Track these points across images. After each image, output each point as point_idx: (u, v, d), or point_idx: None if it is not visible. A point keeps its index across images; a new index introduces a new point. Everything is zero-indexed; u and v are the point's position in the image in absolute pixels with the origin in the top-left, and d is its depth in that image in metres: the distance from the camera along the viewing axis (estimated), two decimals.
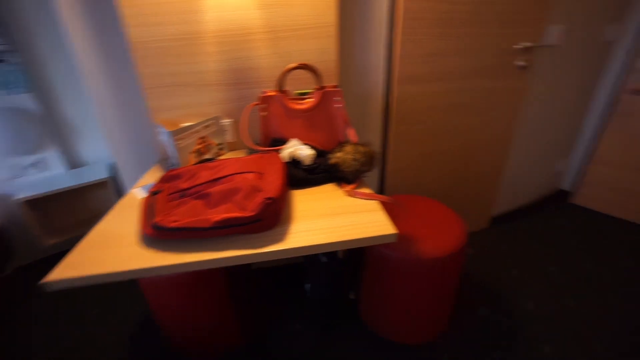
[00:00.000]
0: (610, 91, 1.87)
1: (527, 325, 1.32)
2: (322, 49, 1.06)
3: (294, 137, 0.93)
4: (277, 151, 0.88)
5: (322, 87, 0.96)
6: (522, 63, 1.43)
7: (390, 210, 1.21)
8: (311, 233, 0.65)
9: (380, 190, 1.49)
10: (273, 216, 0.64)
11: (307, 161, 0.86)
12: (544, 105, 1.69)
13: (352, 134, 0.94)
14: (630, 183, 1.91)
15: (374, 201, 0.74)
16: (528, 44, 1.39)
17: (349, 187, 0.80)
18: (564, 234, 1.88)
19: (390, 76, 1.26)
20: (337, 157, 0.84)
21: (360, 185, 0.81)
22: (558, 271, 1.59)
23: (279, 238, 0.63)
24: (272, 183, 0.67)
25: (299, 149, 0.87)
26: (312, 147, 0.91)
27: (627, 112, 1.83)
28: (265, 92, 0.94)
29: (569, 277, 1.55)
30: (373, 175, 1.46)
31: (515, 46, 1.38)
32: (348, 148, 0.84)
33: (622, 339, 1.25)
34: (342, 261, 1.15)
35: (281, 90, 0.94)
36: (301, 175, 0.83)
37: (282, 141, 0.92)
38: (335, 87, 0.97)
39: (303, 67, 0.93)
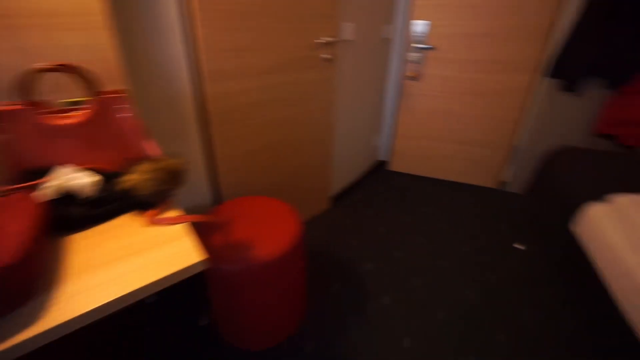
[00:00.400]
0: (395, 77, 2.34)
1: (370, 284, 1.53)
2: (92, 45, 0.83)
3: (65, 162, 0.70)
4: (35, 187, 0.64)
5: (99, 94, 0.75)
6: (327, 56, 1.57)
7: (222, 220, 1.13)
8: (94, 291, 0.49)
9: (218, 198, 1.38)
10: (15, 292, 0.44)
11: (89, 192, 0.66)
12: (353, 91, 1.95)
13: (151, 147, 0.79)
14: (421, 148, 2.49)
15: (181, 225, 0.64)
16: (329, 39, 1.54)
17: (149, 215, 0.66)
18: (385, 197, 2.28)
19: (199, 74, 1.14)
20: (131, 179, 0.68)
21: (165, 209, 0.69)
22: (385, 230, 1.92)
23: (36, 316, 0.45)
24: (9, 241, 0.46)
25: (72, 179, 0.66)
26: (97, 172, 0.71)
27: (409, 94, 2.34)
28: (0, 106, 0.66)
29: (393, 233, 1.89)
30: (206, 184, 1.33)
31: (317, 41, 1.49)
32: (145, 166, 0.69)
33: (434, 271, 1.62)
34: (180, 290, 1.00)
35: (31, 101, 0.69)
36: (79, 213, 0.63)
37: (46, 171, 0.68)
38: (118, 91, 0.78)
39: (62, 68, 0.70)
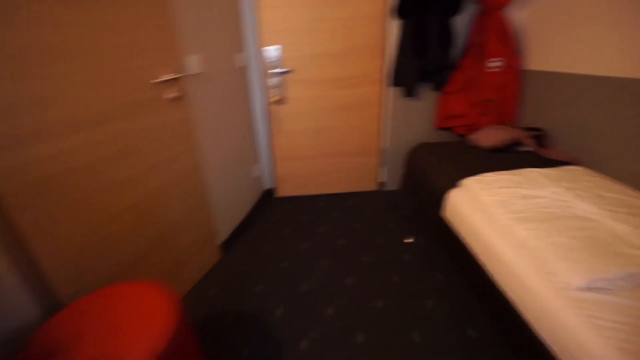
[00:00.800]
0: (261, 104, 2.29)
1: (283, 332, 1.37)
2: None
3: None
4: None
5: None
6: (173, 94, 1.37)
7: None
8: None
9: (52, 305, 0.98)
10: None
11: None
12: (217, 126, 1.78)
13: None
14: (303, 168, 2.50)
15: None
16: (171, 76, 1.34)
17: None
18: (280, 227, 2.17)
19: None
20: None
21: None
22: (288, 264, 1.80)
23: None
24: None
25: None
26: None
27: (278, 118, 2.32)
28: None
29: (296, 264, 1.79)
30: (23, 295, 0.92)
31: (155, 80, 1.28)
32: None
33: (343, 293, 1.57)
34: None
35: None
36: None
37: None
38: None
39: None
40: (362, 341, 1.32)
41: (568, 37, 1.74)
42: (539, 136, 1.91)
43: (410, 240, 1.97)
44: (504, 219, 1.26)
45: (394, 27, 2.09)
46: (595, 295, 0.92)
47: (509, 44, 1.98)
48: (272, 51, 2.14)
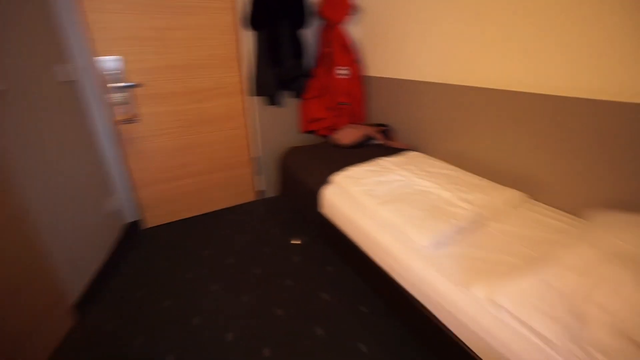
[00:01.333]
0: (104, 124, 1.92)
1: None
2: None
3: None
4: None
5: None
6: None
7: None
8: None
9: None
10: None
11: None
12: (42, 158, 1.40)
13: None
14: (172, 191, 2.24)
15: None
16: None
17: None
18: (154, 263, 1.88)
19: None
20: None
21: None
22: (172, 301, 1.58)
23: None
24: None
25: None
26: None
27: (131, 139, 2.00)
28: None
29: (182, 299, 1.59)
30: None
31: None
32: None
33: (241, 313, 1.48)
34: None
35: None
36: None
37: None
38: None
39: None
40: (269, 355, 1.29)
41: (390, 49, 2.15)
42: (385, 130, 2.29)
43: (298, 241, 2.04)
44: (370, 205, 1.45)
45: (249, 38, 2.12)
46: (440, 250, 1.16)
47: (350, 54, 2.30)
48: (109, 62, 1.83)
